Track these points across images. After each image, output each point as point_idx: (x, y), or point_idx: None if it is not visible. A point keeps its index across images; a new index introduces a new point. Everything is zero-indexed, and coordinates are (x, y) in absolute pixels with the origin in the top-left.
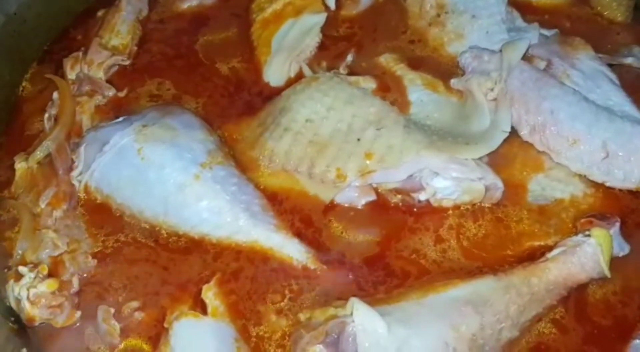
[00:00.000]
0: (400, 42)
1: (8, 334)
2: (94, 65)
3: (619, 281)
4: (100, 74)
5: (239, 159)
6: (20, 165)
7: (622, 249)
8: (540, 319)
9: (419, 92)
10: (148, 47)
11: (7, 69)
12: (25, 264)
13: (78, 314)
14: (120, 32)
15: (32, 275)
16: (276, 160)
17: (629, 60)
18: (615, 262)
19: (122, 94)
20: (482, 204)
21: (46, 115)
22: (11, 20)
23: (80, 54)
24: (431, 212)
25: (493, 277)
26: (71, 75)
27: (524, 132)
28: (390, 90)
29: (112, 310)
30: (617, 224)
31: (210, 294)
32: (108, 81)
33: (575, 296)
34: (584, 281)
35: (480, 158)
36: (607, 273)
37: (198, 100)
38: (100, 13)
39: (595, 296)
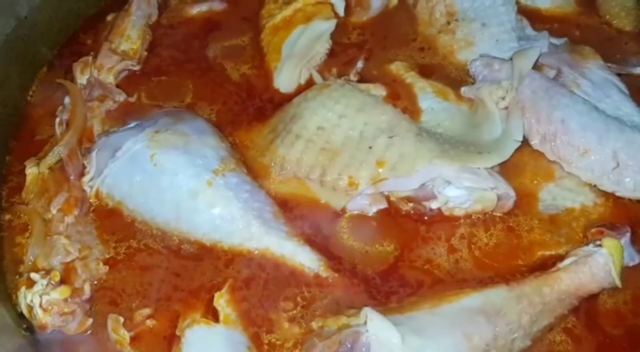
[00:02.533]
0: (410, 49)
1: (20, 342)
2: (104, 70)
3: (629, 291)
4: (110, 79)
5: (250, 166)
6: (31, 171)
7: (633, 259)
8: (552, 328)
9: (430, 100)
10: (158, 52)
11: (16, 73)
12: (37, 270)
13: (90, 321)
14: (130, 36)
15: (45, 282)
16: (287, 167)
17: (637, 70)
18: (625, 272)
19: (132, 99)
20: (494, 213)
21: (57, 120)
22: (22, 24)
23: (90, 58)
24: (442, 220)
25: (505, 286)
26: (81, 79)
27: (534, 142)
28: (400, 98)
29: (122, 319)
30: (628, 234)
31: (222, 302)
32: (117, 86)
33: (586, 306)
34: (595, 291)
35: (492, 167)
36: (619, 283)
37: (212, 106)
38: (109, 17)
39: (606, 305)
